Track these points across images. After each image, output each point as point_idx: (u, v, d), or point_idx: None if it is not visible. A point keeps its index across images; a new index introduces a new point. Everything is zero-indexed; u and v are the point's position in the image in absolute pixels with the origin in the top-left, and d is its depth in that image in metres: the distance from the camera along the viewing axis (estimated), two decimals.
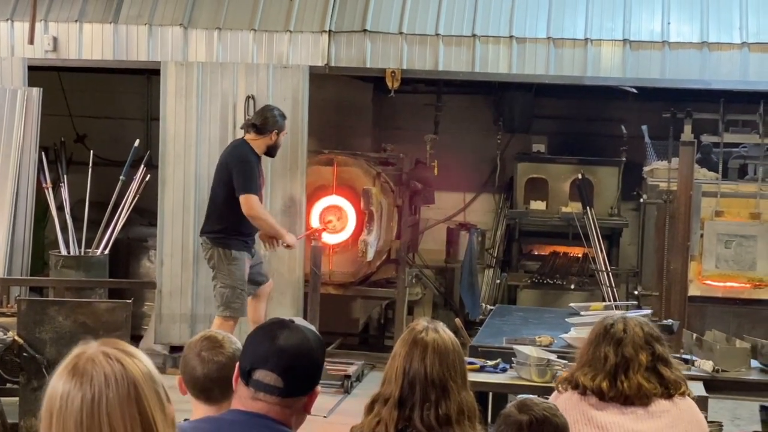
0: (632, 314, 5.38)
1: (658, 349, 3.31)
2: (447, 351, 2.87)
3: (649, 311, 5.69)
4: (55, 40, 8.11)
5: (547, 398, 3.29)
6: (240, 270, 6.81)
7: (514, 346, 4.56)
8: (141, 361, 1.85)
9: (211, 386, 3.10)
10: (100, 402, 1.81)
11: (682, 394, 3.29)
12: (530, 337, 4.88)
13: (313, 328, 2.59)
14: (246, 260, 6.87)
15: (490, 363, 4.57)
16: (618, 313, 5.14)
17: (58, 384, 1.81)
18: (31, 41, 6.62)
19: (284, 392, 2.40)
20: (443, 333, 2.93)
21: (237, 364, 2.54)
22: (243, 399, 2.44)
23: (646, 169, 8.68)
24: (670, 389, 3.26)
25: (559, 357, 4.51)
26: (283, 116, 6.97)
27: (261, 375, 2.40)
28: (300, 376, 2.42)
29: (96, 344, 1.84)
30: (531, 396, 2.98)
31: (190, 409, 3.17)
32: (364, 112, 9.55)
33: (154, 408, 1.88)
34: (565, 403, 3.27)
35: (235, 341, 3.21)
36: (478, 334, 5.10)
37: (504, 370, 4.56)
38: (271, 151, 7.00)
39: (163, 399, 1.91)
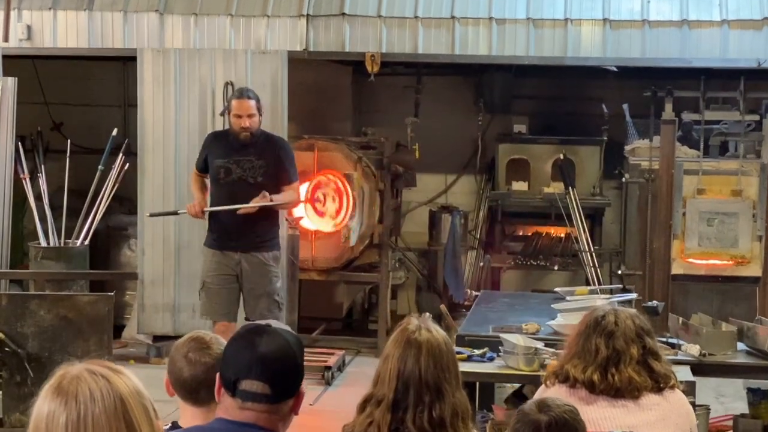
0: (618, 298, 5.41)
1: (649, 343, 3.29)
2: (441, 352, 2.84)
3: (634, 295, 5.69)
4: (29, 28, 8.00)
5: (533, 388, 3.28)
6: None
7: (501, 335, 4.54)
8: (127, 377, 1.82)
9: (198, 388, 3.07)
10: (86, 418, 1.78)
11: (672, 387, 3.28)
12: (517, 325, 4.87)
13: (288, 328, 2.57)
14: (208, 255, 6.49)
15: (477, 352, 4.55)
16: (605, 303, 5.14)
17: (43, 404, 1.78)
18: (6, 38, 6.50)
19: (272, 399, 2.38)
20: (436, 333, 2.90)
21: (218, 374, 2.51)
22: (230, 409, 2.42)
23: (627, 148, 8.67)
24: (660, 383, 3.25)
25: (546, 345, 4.49)
26: (235, 95, 6.51)
27: (247, 385, 2.38)
28: (286, 381, 2.40)
29: (81, 364, 1.81)
30: (553, 397, 2.90)
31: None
32: (343, 96, 9.49)
33: (142, 422, 1.85)
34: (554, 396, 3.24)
35: (223, 342, 3.17)
36: (464, 322, 5.08)
37: (491, 359, 4.54)
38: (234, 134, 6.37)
39: (151, 414, 1.88)
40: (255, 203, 6.17)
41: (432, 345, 2.84)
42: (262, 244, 6.36)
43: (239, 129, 6.29)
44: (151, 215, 7.30)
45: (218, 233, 6.40)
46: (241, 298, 6.45)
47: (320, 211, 8.22)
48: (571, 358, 3.31)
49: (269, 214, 6.36)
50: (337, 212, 8.25)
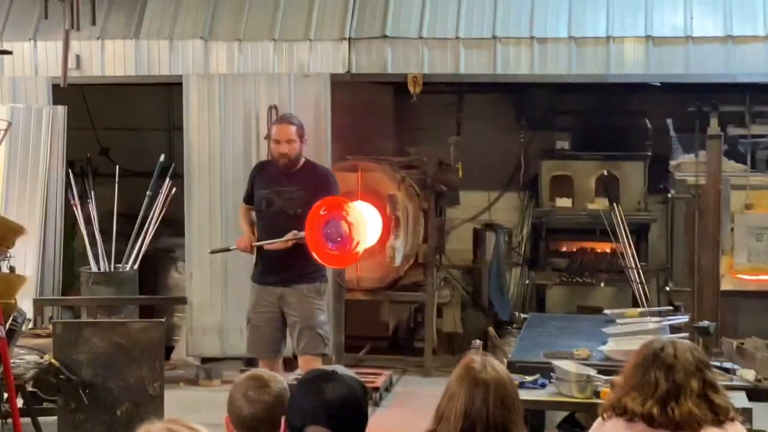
0: (669, 321, 5.39)
1: (708, 376, 3.25)
2: (507, 391, 2.86)
3: (686, 318, 5.66)
4: (78, 58, 8.14)
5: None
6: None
7: (553, 362, 4.54)
8: None
9: (257, 425, 3.11)
10: None
11: (732, 420, 3.24)
12: (568, 351, 4.86)
13: (353, 374, 2.60)
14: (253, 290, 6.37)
15: (528, 379, 4.56)
16: (658, 326, 5.13)
17: None
18: (65, 83, 6.61)
19: None
20: (501, 371, 2.91)
21: (283, 418, 2.55)
22: None
23: (672, 163, 8.62)
24: (719, 415, 3.20)
25: (598, 372, 4.48)
26: (276, 120, 6.52)
27: (313, 431, 2.40)
28: (351, 428, 2.43)
29: (161, 423, 1.86)
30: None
31: None
32: (385, 115, 9.54)
33: None
34: (611, 431, 3.22)
35: (281, 380, 3.22)
36: (514, 348, 5.09)
37: (543, 386, 4.54)
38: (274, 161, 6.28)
39: None
40: (286, 239, 6.02)
41: (499, 384, 2.85)
42: (303, 276, 6.16)
43: (278, 155, 6.16)
44: (212, 252, 7.30)
45: (261, 267, 6.28)
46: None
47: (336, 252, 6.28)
48: (628, 390, 3.25)
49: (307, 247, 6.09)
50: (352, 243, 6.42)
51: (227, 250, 6.99)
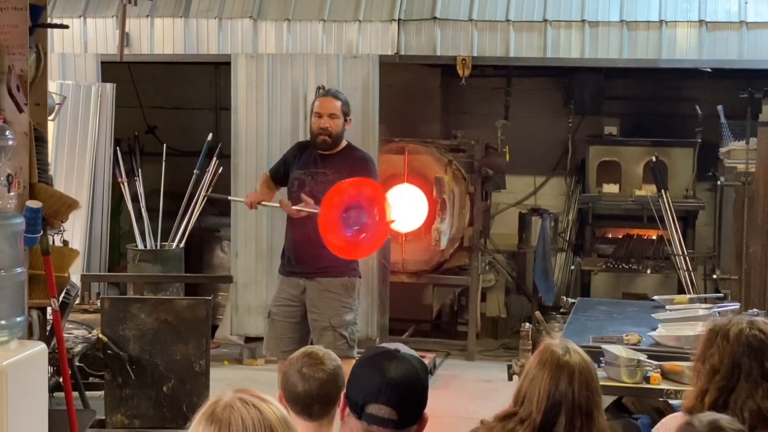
0: (719, 308, 5.32)
1: None
2: (592, 375, 2.82)
3: (737, 305, 5.59)
4: (127, 36, 8.17)
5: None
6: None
7: (603, 346, 4.50)
8: (276, 406, 1.87)
9: (311, 403, 3.12)
10: None
11: None
12: (617, 335, 4.82)
13: (415, 353, 2.59)
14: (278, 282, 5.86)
15: None
16: (708, 312, 5.07)
17: (197, 430, 1.84)
18: (121, 58, 6.65)
19: (398, 424, 2.40)
20: (584, 355, 2.86)
21: (343, 394, 2.54)
22: (354, 430, 2.45)
23: (722, 150, 8.50)
24: None
25: (648, 357, 4.44)
26: (321, 93, 5.98)
27: (374, 409, 2.40)
28: (412, 407, 2.42)
29: (231, 392, 1.87)
30: (719, 415, 2.53)
31: None
32: (432, 98, 9.50)
33: None
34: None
35: (335, 358, 3.22)
36: (564, 332, 5.05)
37: None
38: (312, 139, 5.71)
39: None
40: (298, 209, 5.48)
41: (583, 368, 2.81)
42: (329, 269, 5.53)
43: (317, 130, 5.54)
44: (209, 197, 7.08)
45: (287, 257, 5.72)
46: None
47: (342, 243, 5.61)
48: (718, 383, 2.87)
49: None
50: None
51: (226, 199, 6.82)
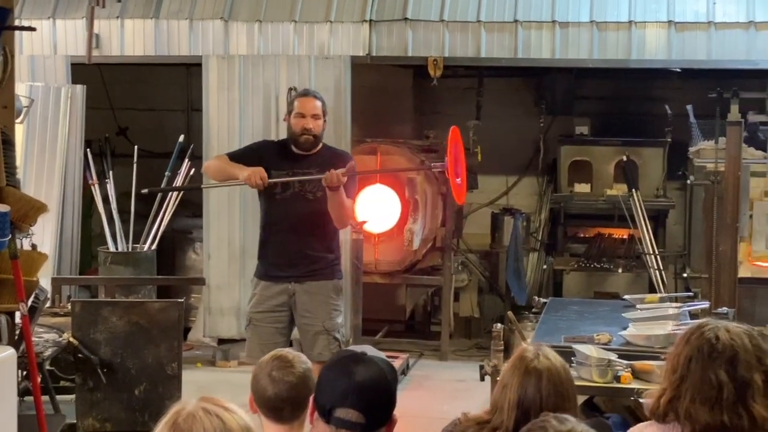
0: (689, 307, 5.36)
1: None
2: (561, 379, 2.81)
3: (706, 304, 5.64)
4: (97, 37, 8.13)
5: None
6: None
7: (574, 346, 4.53)
8: (239, 415, 1.87)
9: (281, 406, 3.12)
10: None
11: None
12: (588, 335, 4.85)
13: (383, 356, 2.59)
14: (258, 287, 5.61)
15: None
16: (678, 312, 5.11)
17: None
18: (90, 60, 6.61)
19: (366, 428, 2.41)
20: (554, 359, 2.86)
21: (312, 398, 2.55)
22: None
23: (692, 149, 8.57)
24: None
25: (619, 356, 4.47)
26: (299, 93, 5.77)
27: (342, 413, 2.41)
28: (380, 410, 2.43)
29: (194, 401, 1.86)
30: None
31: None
32: (404, 98, 9.51)
33: None
34: None
35: (305, 360, 3.22)
36: (535, 332, 5.08)
37: None
38: (293, 139, 5.50)
39: None
40: (305, 179, 5.33)
41: (552, 373, 2.81)
42: (320, 271, 5.42)
43: (300, 130, 5.41)
44: (148, 192, 6.55)
45: (270, 261, 5.51)
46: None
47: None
48: (690, 394, 2.68)
49: (327, 236, 5.46)
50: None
51: (176, 189, 6.18)
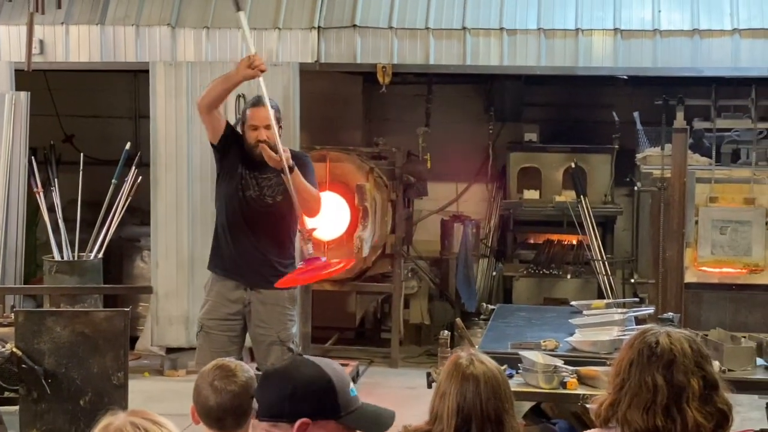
0: (635, 312, 5.41)
1: (709, 372, 2.68)
2: (498, 382, 2.82)
3: (651, 309, 5.68)
4: (41, 43, 8.02)
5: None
6: None
7: (520, 352, 4.54)
8: (168, 429, 1.83)
9: (224, 416, 3.10)
10: None
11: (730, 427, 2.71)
12: (535, 341, 4.87)
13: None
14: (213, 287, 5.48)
15: None
16: (624, 317, 5.15)
17: None
18: (29, 67, 6.51)
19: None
20: (489, 363, 2.86)
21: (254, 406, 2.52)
22: None
23: (639, 156, 8.66)
24: (722, 424, 2.66)
25: (565, 362, 4.49)
26: (251, 102, 5.53)
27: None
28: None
29: (123, 414, 1.83)
30: None
31: None
32: (353, 105, 9.50)
33: None
34: None
35: (248, 369, 3.20)
36: (483, 339, 5.09)
37: (510, 376, 4.51)
38: (249, 150, 5.35)
39: None
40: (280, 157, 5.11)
41: (489, 377, 2.82)
42: (277, 279, 5.22)
43: (255, 143, 5.25)
44: None
45: (226, 257, 5.38)
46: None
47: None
48: (625, 394, 2.69)
49: (283, 242, 5.37)
50: None
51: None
